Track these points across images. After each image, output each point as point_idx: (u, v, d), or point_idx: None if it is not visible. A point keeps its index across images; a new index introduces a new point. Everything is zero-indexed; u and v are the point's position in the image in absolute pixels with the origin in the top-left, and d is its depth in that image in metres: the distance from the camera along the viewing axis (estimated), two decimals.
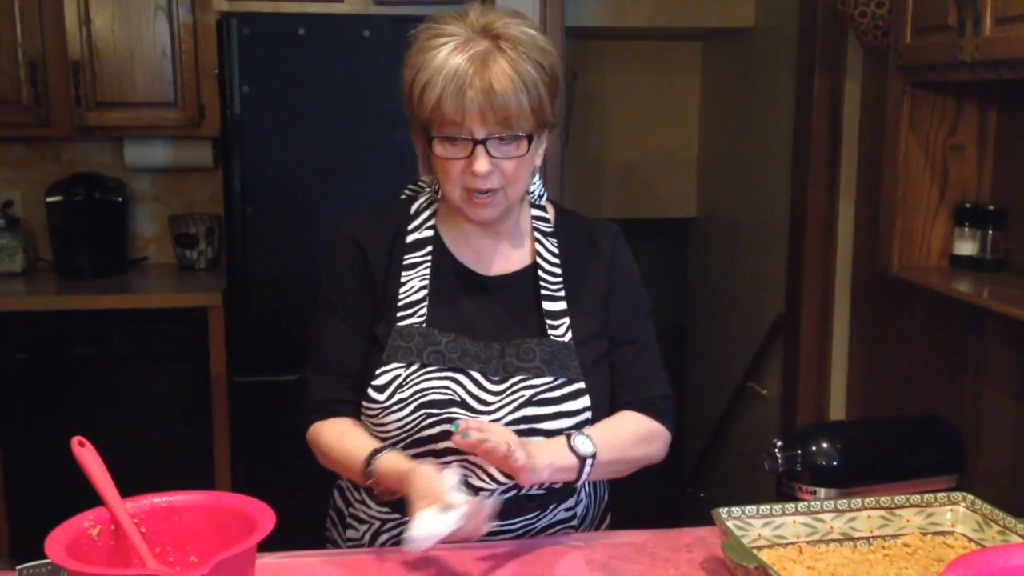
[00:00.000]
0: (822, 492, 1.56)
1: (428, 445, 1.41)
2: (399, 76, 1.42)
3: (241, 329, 2.87)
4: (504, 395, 1.41)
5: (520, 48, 1.36)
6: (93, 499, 1.27)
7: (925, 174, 2.36)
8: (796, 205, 3.19)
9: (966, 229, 2.31)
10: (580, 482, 1.40)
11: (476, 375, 1.42)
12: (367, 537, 1.51)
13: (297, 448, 3.02)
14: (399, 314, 1.45)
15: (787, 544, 1.35)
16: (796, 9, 3.25)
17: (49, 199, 3.33)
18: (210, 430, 3.07)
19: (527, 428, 1.39)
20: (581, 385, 1.43)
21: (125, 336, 3.03)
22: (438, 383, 1.41)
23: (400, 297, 1.46)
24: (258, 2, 2.94)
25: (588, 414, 1.43)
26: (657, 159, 4.83)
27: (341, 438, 1.45)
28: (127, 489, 1.25)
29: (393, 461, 1.36)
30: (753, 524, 1.36)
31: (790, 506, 1.38)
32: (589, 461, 1.37)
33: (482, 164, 1.35)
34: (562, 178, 3.19)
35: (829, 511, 1.38)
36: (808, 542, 1.36)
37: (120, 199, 3.42)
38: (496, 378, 1.42)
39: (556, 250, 1.51)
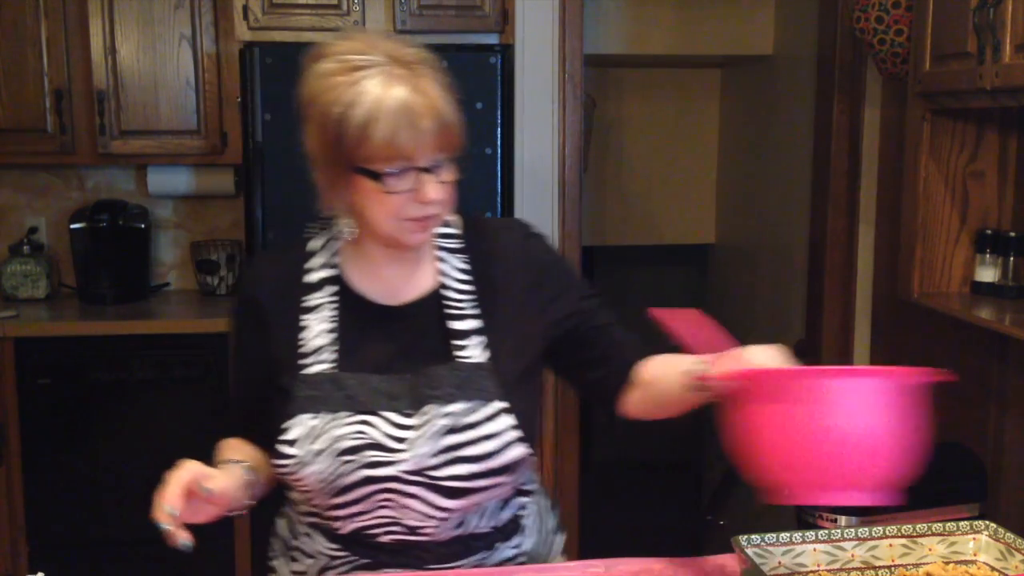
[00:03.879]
0: (843, 520, 1.55)
1: (350, 493, 1.36)
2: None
3: None
4: (420, 428, 1.35)
5: (431, 69, 1.34)
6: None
7: (945, 200, 2.35)
8: (815, 231, 3.19)
9: (987, 256, 2.31)
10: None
11: (388, 414, 1.37)
12: (313, 572, 1.46)
13: None
14: (302, 361, 1.39)
15: (807, 572, 1.34)
16: (814, 37, 3.26)
17: (73, 226, 3.37)
18: None
19: (450, 457, 1.34)
20: (501, 405, 1.36)
21: (146, 361, 3.05)
22: (351, 428, 1.35)
23: (301, 343, 1.40)
24: (280, 32, 2.98)
25: (515, 432, 1.36)
26: (676, 186, 4.84)
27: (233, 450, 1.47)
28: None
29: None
30: (773, 552, 1.35)
31: (810, 534, 1.37)
32: None
33: (435, 191, 1.32)
34: (581, 204, 3.20)
35: (850, 539, 1.37)
36: (829, 571, 1.35)
37: (143, 226, 3.45)
38: (410, 412, 1.36)
39: (466, 266, 1.45)
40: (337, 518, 1.40)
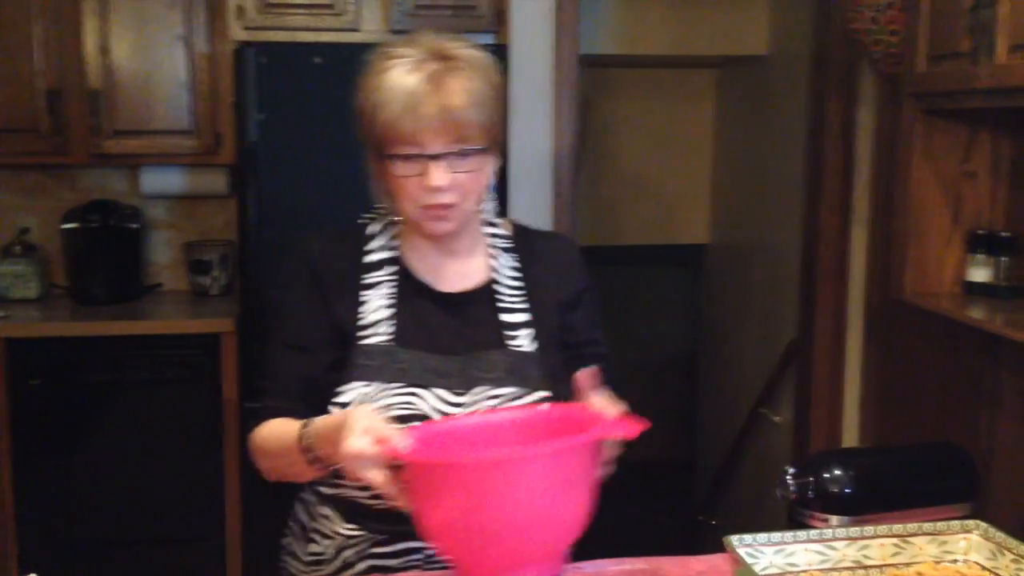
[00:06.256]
0: (834, 520, 1.55)
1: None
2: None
3: (254, 355, 2.88)
4: (467, 407, 1.42)
5: (471, 67, 1.39)
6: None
7: (938, 201, 2.36)
8: (809, 231, 3.19)
9: (980, 256, 2.31)
10: None
11: (439, 390, 1.42)
12: (330, 552, 1.50)
13: None
14: (360, 333, 1.45)
15: (799, 572, 1.34)
16: (809, 37, 3.26)
17: (65, 226, 3.36)
18: (221, 455, 3.08)
19: None
20: (545, 394, 1.43)
21: (139, 362, 3.04)
22: (401, 399, 1.41)
23: (360, 316, 1.46)
24: (275, 32, 2.97)
25: None
26: (670, 186, 4.84)
27: (280, 426, 1.42)
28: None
29: (326, 417, 1.35)
30: (765, 552, 1.35)
31: (802, 534, 1.37)
32: None
33: (439, 178, 1.37)
34: (575, 204, 3.19)
35: (841, 539, 1.37)
36: (820, 570, 1.35)
37: (135, 226, 3.44)
38: (460, 390, 1.43)
39: (516, 264, 1.53)
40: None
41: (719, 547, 1.37)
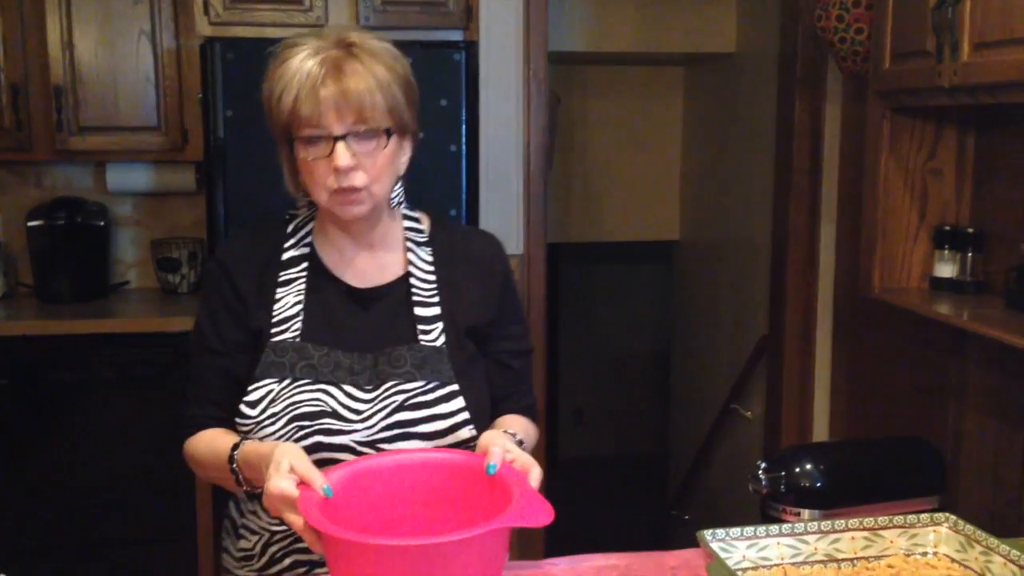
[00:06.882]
0: (806, 513, 1.56)
1: None
2: None
3: None
4: (376, 402, 1.42)
5: (372, 53, 1.41)
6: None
7: (905, 198, 2.38)
8: (778, 228, 3.21)
9: (946, 252, 2.34)
10: None
11: (348, 387, 1.43)
12: (258, 548, 1.50)
13: None
14: (273, 330, 1.46)
15: (771, 566, 1.35)
16: (777, 35, 3.28)
17: (30, 223, 3.31)
18: None
19: (401, 432, 1.41)
20: (454, 387, 1.45)
21: (106, 361, 3.01)
22: (309, 395, 1.42)
23: (274, 313, 1.48)
24: (242, 27, 2.94)
25: (465, 414, 1.44)
26: (640, 183, 4.86)
27: (212, 441, 1.46)
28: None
29: (257, 443, 1.37)
30: (737, 546, 1.35)
31: (774, 528, 1.38)
32: None
33: (343, 158, 1.37)
34: (546, 201, 3.20)
35: (813, 532, 1.38)
36: (792, 563, 1.36)
37: (102, 223, 3.41)
38: (369, 387, 1.43)
39: (431, 258, 1.54)
40: None
41: (692, 542, 1.38)
